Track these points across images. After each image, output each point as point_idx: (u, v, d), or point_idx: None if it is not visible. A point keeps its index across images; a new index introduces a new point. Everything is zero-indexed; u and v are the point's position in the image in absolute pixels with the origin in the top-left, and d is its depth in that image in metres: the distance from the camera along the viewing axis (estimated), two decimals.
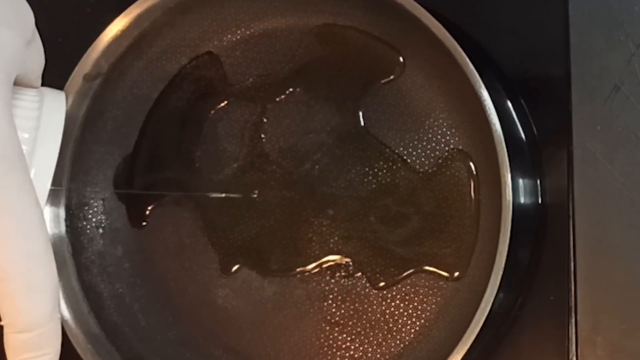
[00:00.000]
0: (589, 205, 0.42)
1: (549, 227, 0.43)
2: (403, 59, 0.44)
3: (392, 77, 0.44)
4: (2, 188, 0.27)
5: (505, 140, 0.39)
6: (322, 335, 0.45)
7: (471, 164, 0.43)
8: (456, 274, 0.43)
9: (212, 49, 0.47)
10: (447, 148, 0.44)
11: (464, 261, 0.43)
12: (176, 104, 0.47)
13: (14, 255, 0.26)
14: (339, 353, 0.45)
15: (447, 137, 0.44)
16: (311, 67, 0.46)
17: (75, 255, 0.46)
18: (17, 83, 0.33)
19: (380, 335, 0.44)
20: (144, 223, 0.47)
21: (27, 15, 0.33)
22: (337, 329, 0.45)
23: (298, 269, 0.45)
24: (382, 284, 0.44)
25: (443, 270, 0.43)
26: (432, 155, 0.44)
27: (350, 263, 0.45)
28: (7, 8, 0.31)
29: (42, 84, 0.37)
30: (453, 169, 0.44)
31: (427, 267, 0.44)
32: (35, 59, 0.34)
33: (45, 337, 0.27)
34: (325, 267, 0.45)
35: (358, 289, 0.45)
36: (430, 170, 0.44)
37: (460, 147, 0.44)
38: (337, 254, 0.45)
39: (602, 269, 0.41)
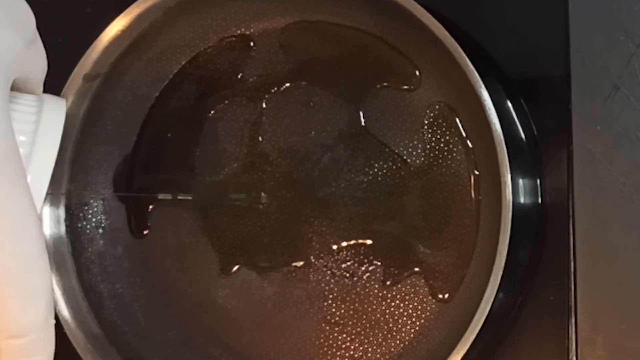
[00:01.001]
0: (589, 205, 0.42)
1: (549, 227, 0.43)
2: (419, 71, 0.44)
3: (411, 87, 0.44)
4: (2, 189, 0.26)
5: (505, 140, 0.39)
6: (322, 335, 0.45)
7: (472, 163, 0.43)
8: (446, 295, 0.43)
9: (212, 48, 0.47)
10: (446, 148, 0.44)
11: (454, 282, 0.43)
12: (176, 104, 0.47)
13: (7, 257, 0.25)
14: (339, 353, 0.45)
15: (447, 137, 0.44)
16: (311, 66, 0.46)
17: (75, 255, 0.46)
18: (18, 89, 0.33)
19: (380, 335, 0.44)
20: (145, 232, 0.47)
21: (28, 17, 0.32)
22: (337, 329, 0.45)
23: (298, 268, 0.45)
24: (382, 283, 0.44)
25: (433, 291, 0.44)
26: (432, 155, 0.44)
27: (350, 262, 0.45)
28: (6, 9, 0.30)
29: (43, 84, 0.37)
30: (453, 168, 0.44)
31: (422, 276, 0.44)
32: (36, 62, 0.33)
33: (39, 343, 0.26)
34: (325, 267, 0.45)
35: (358, 289, 0.45)
36: (430, 171, 0.44)
37: (460, 147, 0.44)
38: (337, 254, 0.45)
39: (602, 269, 0.41)
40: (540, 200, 0.44)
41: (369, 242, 0.45)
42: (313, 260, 0.45)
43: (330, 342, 0.45)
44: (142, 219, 0.47)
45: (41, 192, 0.31)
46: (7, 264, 0.25)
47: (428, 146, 0.44)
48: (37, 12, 0.34)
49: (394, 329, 0.44)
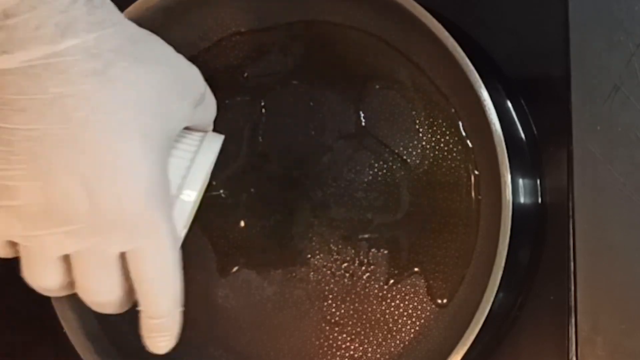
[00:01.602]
0: (589, 205, 0.42)
1: (549, 227, 0.43)
2: (419, 71, 0.44)
3: (411, 87, 0.44)
4: (148, 218, 0.33)
5: (505, 140, 0.39)
6: (322, 335, 0.45)
7: (472, 163, 0.44)
8: (444, 300, 0.43)
9: (212, 48, 0.47)
10: (446, 148, 0.44)
11: (454, 282, 0.43)
12: None
13: (153, 269, 0.34)
14: (339, 353, 0.45)
15: (447, 138, 0.44)
16: (312, 67, 0.46)
17: None
18: (190, 128, 0.38)
19: (380, 335, 0.44)
20: None
21: (196, 82, 0.37)
22: (337, 329, 0.45)
23: (298, 268, 0.45)
24: (382, 283, 0.44)
25: (431, 295, 0.44)
26: (432, 155, 0.44)
27: (350, 262, 0.45)
28: (175, 81, 0.35)
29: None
30: (453, 168, 0.44)
31: (422, 276, 0.44)
32: (205, 114, 0.39)
33: (169, 323, 0.36)
34: (325, 267, 0.45)
35: (358, 289, 0.45)
36: (430, 171, 0.44)
37: (460, 147, 0.44)
38: (337, 254, 0.45)
39: (602, 269, 0.41)
40: (540, 200, 0.44)
41: (368, 241, 0.45)
42: (313, 260, 0.45)
43: (330, 342, 0.45)
44: None
45: (185, 220, 0.36)
46: (153, 274, 0.35)
47: (428, 146, 0.44)
48: None
49: (394, 329, 0.44)
